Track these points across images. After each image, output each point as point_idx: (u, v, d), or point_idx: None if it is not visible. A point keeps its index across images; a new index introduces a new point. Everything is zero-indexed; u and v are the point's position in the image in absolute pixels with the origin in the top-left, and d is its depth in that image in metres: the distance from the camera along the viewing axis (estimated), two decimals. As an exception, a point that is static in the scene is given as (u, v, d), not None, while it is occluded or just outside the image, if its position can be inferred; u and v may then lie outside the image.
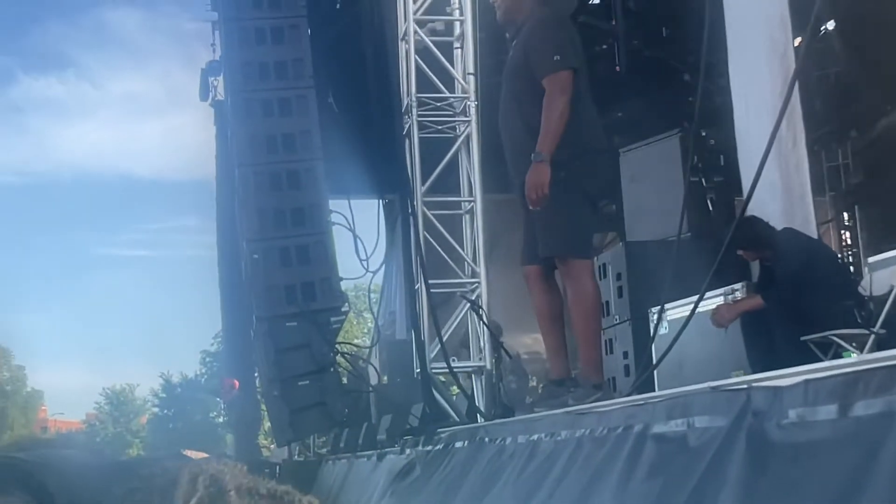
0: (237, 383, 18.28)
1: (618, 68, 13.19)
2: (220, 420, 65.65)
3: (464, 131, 11.53)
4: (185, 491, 1.04)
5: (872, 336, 6.59)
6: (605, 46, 13.40)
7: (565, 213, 7.02)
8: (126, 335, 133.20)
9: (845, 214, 15.19)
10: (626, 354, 9.63)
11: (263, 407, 15.10)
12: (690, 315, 6.17)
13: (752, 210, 7.40)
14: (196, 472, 1.07)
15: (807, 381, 3.10)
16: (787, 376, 3.29)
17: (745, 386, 3.46)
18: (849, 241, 15.07)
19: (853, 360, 2.97)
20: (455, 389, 10.81)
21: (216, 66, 13.05)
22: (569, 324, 7.41)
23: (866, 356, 3.11)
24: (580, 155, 7.07)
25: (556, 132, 6.92)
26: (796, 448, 3.11)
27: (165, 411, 76.71)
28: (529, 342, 15.55)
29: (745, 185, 8.37)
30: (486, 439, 6.83)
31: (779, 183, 8.14)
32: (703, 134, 10.41)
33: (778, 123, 5.92)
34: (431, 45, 11.65)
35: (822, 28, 13.56)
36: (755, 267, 8.53)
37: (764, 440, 3.25)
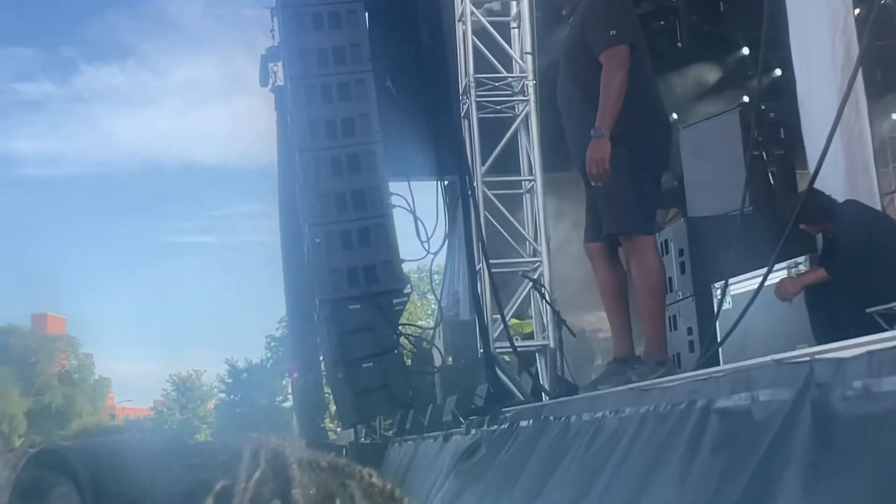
0: (295, 368, 18.40)
1: (679, 44, 13.13)
2: (287, 404, 66.02)
3: (522, 110, 11.54)
4: (248, 465, 1.05)
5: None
6: (663, 23, 13.34)
7: (628, 189, 7.00)
8: (192, 322, 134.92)
9: (910, 185, 15.01)
10: (689, 330, 9.59)
11: (328, 390, 15.19)
12: (759, 289, 6.16)
13: (816, 183, 7.34)
14: (257, 446, 1.08)
15: (870, 352, 3.09)
16: (850, 347, 3.28)
17: (807, 358, 3.45)
18: (914, 213, 14.91)
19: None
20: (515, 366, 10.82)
21: (275, 51, 13.10)
22: (633, 301, 7.40)
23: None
24: (640, 131, 7.06)
25: (614, 107, 6.90)
26: (862, 420, 3.10)
27: (232, 397, 77.26)
28: (593, 320, 15.54)
29: (810, 157, 8.32)
30: (551, 417, 6.84)
31: (842, 155, 8.07)
32: (763, 107, 10.31)
33: (843, 101, 5.87)
34: (488, 25, 11.66)
35: (882, -1, 13.42)
36: (819, 240, 8.48)
37: (829, 412, 3.24)
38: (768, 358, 3.80)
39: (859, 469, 3.07)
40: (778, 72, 11.26)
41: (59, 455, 1.09)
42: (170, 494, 1.03)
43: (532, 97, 11.43)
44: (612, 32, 7.06)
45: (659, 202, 7.56)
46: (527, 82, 11.51)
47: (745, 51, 13.48)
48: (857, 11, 8.62)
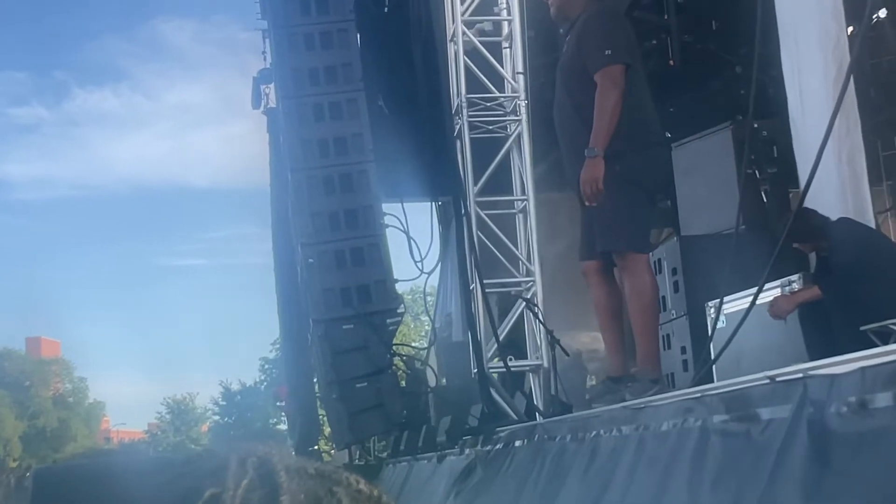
0: (284, 390, 18.38)
1: (671, 62, 13.14)
2: (281, 426, 65.94)
3: (515, 130, 11.53)
4: (236, 472, 1.04)
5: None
6: (655, 42, 13.35)
7: (621, 207, 7.04)
8: (186, 344, 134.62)
9: (904, 203, 15.02)
10: (683, 350, 9.58)
11: (322, 412, 15.15)
12: (750, 307, 6.15)
13: (808, 201, 7.35)
14: (244, 454, 1.07)
15: (863, 368, 3.08)
16: (843, 363, 3.27)
17: (800, 375, 3.44)
18: (908, 231, 14.91)
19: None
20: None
21: (267, 73, 13.11)
22: (627, 319, 7.40)
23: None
24: (636, 149, 7.09)
25: (608, 127, 6.93)
26: (857, 437, 3.09)
27: (226, 419, 77.24)
28: (587, 340, 15.51)
29: (802, 175, 8.32)
30: (546, 437, 6.83)
31: (835, 173, 8.07)
32: (756, 125, 10.34)
33: (834, 114, 5.87)
34: (480, 45, 11.66)
35: (874, 17, 13.45)
36: (813, 257, 8.47)
37: (825, 430, 3.23)
38: (761, 375, 3.79)
39: (858, 488, 3.05)
40: (770, 90, 11.27)
41: (59, 475, 1.08)
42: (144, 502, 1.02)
43: (524, 117, 11.42)
44: (607, 52, 7.10)
45: (653, 221, 7.57)
46: (519, 102, 11.50)
47: (738, 69, 13.51)
48: (850, 29, 8.62)
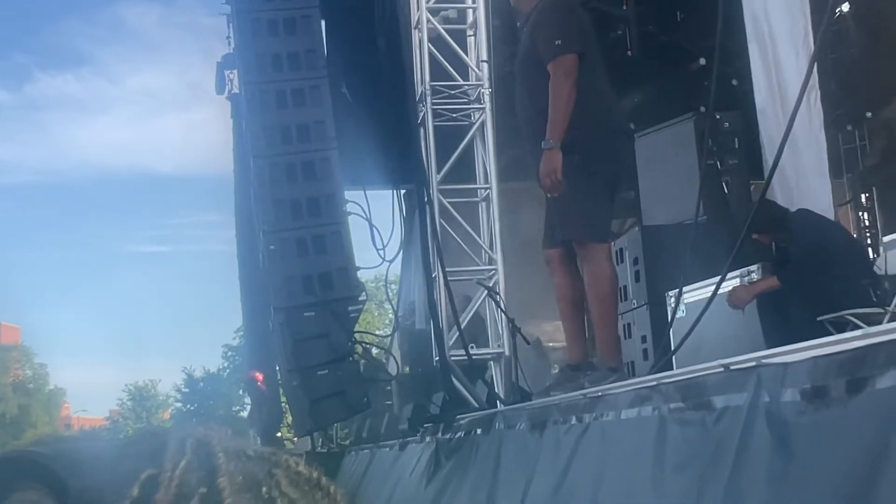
0: (260, 376, 18.31)
1: (629, 52, 13.17)
2: (244, 414, 65.84)
3: (478, 119, 11.55)
4: (174, 454, 1.04)
5: (888, 314, 6.59)
6: (619, 32, 13.37)
7: (581, 196, 7.07)
8: (148, 331, 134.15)
9: (863, 196, 15.15)
10: (644, 339, 9.63)
11: (284, 399, 15.14)
12: (711, 297, 6.18)
13: (770, 191, 7.42)
14: (183, 436, 1.07)
15: (815, 357, 3.11)
16: (796, 352, 3.30)
17: (754, 363, 3.47)
18: (867, 223, 15.04)
19: (859, 334, 2.98)
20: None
21: (231, 58, 13.03)
22: (588, 308, 7.44)
23: (872, 329, 3.12)
24: (594, 138, 7.10)
25: (563, 118, 6.96)
26: (810, 425, 3.12)
27: (188, 406, 77.03)
28: (550, 329, 15.56)
29: (769, 166, 8.38)
30: (505, 425, 6.86)
31: (796, 165, 8.14)
32: (718, 117, 10.38)
33: (796, 107, 5.91)
34: (444, 33, 11.66)
35: (837, 10, 13.53)
36: (772, 248, 8.54)
37: (779, 417, 3.26)
38: (716, 363, 3.82)
39: (811, 475, 3.08)
40: (734, 82, 11.32)
41: (33, 461, 1.08)
42: (98, 485, 1.02)
43: (488, 105, 11.45)
44: (557, 42, 7.12)
45: (615, 210, 7.59)
46: (483, 90, 11.52)
47: (702, 61, 13.54)
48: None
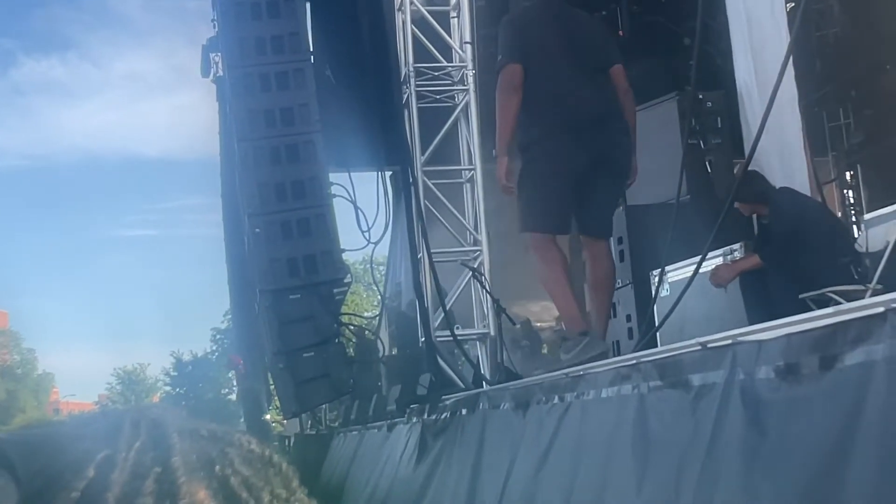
0: (241, 360, 18.36)
1: (621, 33, 13.18)
2: (233, 396, 65.92)
3: (462, 100, 11.56)
4: (129, 435, 1.05)
5: (869, 291, 6.62)
6: (605, 13, 13.37)
7: (528, 192, 7.56)
8: (137, 315, 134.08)
9: (848, 174, 15.18)
10: (629, 318, 9.67)
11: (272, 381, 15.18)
12: (693, 276, 6.22)
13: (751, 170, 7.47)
14: (137, 416, 1.08)
15: (789, 334, 3.15)
16: (770, 329, 3.33)
17: (730, 341, 3.50)
18: (852, 201, 15.08)
19: (831, 311, 3.01)
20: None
21: (216, 42, 13.05)
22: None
23: (843, 306, 3.15)
24: (550, 135, 7.54)
25: (502, 127, 7.53)
26: (785, 401, 3.15)
27: (177, 390, 77.10)
28: (537, 310, 15.58)
29: (749, 146, 8.40)
30: (490, 405, 6.90)
31: (776, 143, 8.15)
32: (700, 96, 10.40)
33: (776, 86, 5.92)
34: (428, 14, 11.66)
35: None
36: (754, 227, 8.56)
37: (755, 393, 3.29)
38: (693, 341, 3.86)
39: (785, 450, 3.11)
40: (718, 61, 11.34)
41: None
42: (57, 465, 1.05)
43: (472, 87, 11.45)
44: (499, 57, 7.69)
45: (573, 200, 7.70)
46: (466, 72, 11.52)
47: (686, 41, 13.54)
48: (790, 6, 8.73)
